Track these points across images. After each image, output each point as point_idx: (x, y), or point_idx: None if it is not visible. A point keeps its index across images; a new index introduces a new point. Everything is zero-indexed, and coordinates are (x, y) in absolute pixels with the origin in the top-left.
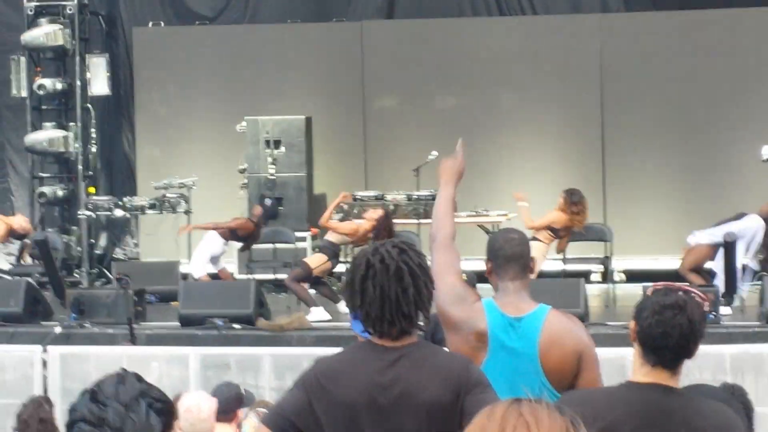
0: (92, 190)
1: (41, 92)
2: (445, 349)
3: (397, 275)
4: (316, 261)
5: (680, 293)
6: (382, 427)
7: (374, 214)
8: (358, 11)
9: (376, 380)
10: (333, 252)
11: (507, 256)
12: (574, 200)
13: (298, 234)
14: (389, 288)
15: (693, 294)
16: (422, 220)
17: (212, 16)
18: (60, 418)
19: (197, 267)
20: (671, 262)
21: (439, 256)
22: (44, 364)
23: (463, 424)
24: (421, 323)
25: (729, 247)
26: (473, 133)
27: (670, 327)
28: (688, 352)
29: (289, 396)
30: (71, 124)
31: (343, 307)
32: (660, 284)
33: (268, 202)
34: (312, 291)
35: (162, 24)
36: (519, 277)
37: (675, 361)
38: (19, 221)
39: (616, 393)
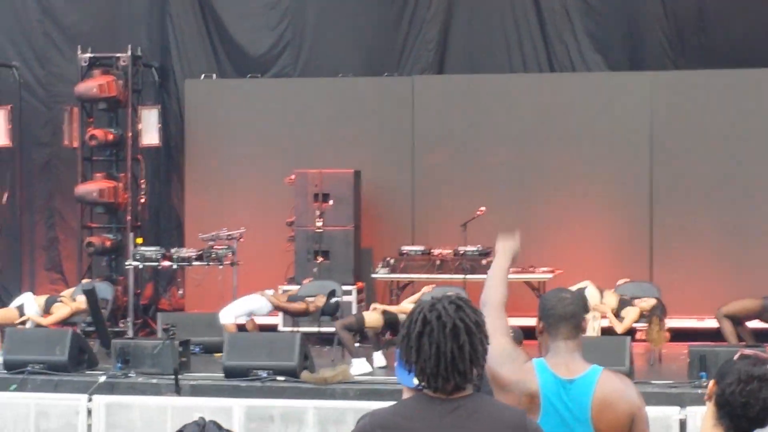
0: (140, 240)
1: (93, 143)
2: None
3: (454, 333)
4: (372, 320)
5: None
6: None
7: None
8: (409, 66)
9: (435, 431)
10: (390, 321)
11: (559, 315)
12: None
13: (345, 288)
14: (445, 345)
15: None
16: (468, 276)
17: (264, 69)
18: None
19: (228, 314)
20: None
21: (490, 319)
22: (89, 412)
23: None
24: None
25: None
26: (521, 190)
27: (754, 398)
28: (765, 423)
29: None
30: (121, 174)
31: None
32: (748, 351)
33: (333, 300)
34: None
35: (214, 76)
36: (571, 337)
37: (749, 430)
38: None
39: None
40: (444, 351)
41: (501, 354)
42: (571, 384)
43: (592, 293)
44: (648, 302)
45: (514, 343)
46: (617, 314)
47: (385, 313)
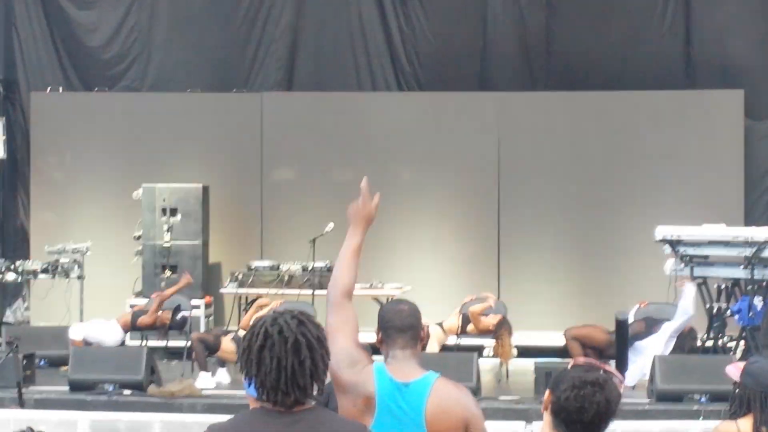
0: None
1: None
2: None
3: (295, 348)
4: (229, 348)
5: (601, 371)
6: None
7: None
8: (258, 83)
9: None
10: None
11: (396, 327)
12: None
13: (193, 302)
14: (286, 360)
15: (612, 374)
16: (317, 291)
17: (111, 83)
18: None
19: (77, 331)
20: (562, 339)
21: (332, 316)
22: None
23: None
24: (315, 393)
25: (619, 326)
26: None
27: (588, 403)
28: (599, 430)
29: None
30: None
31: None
32: (581, 360)
33: (179, 315)
34: None
35: (60, 89)
36: (408, 347)
37: None
38: None
39: None
40: (285, 365)
41: (342, 356)
42: (406, 387)
43: (436, 332)
44: (494, 318)
45: (357, 344)
46: (463, 331)
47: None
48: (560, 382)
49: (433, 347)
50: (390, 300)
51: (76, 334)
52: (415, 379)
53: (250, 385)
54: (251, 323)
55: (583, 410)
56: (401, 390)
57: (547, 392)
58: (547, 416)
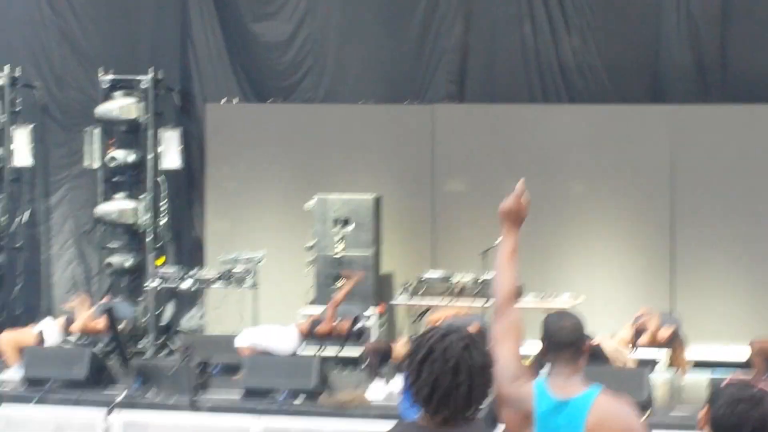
0: (160, 261)
1: (112, 164)
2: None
3: (455, 370)
4: (401, 351)
5: (756, 389)
6: None
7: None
8: (430, 94)
9: None
10: None
11: (558, 343)
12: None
13: (365, 313)
14: (443, 379)
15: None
16: (488, 304)
17: (285, 94)
18: None
19: (244, 338)
20: (739, 351)
21: (497, 324)
22: (107, 430)
23: None
24: (470, 414)
25: None
26: (540, 219)
27: (744, 419)
28: None
29: None
30: (141, 195)
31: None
32: (737, 378)
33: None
34: None
35: (236, 100)
36: (571, 363)
37: None
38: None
39: None
40: (440, 384)
41: (503, 370)
42: (565, 405)
43: (607, 344)
44: (666, 330)
45: (518, 357)
46: (634, 344)
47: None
48: (716, 399)
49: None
50: (554, 312)
51: (243, 341)
52: (575, 396)
53: (408, 406)
54: (423, 331)
55: (740, 426)
56: (560, 408)
57: (704, 409)
58: None
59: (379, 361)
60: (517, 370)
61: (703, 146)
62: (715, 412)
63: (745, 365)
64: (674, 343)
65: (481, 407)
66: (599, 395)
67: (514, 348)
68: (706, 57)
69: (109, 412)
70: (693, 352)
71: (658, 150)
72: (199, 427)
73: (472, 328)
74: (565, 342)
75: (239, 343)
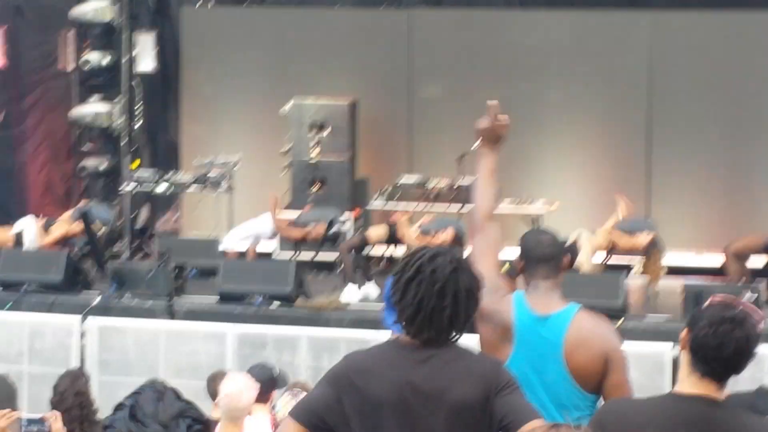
0: (136, 163)
1: (87, 67)
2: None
3: (441, 292)
4: (375, 234)
5: (739, 308)
6: (411, 425)
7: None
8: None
9: (407, 378)
10: (393, 234)
11: (537, 257)
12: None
13: (340, 218)
14: (428, 300)
15: (752, 311)
16: (465, 207)
17: None
18: (96, 389)
19: (232, 238)
20: (714, 258)
21: (476, 241)
22: (82, 334)
23: (492, 425)
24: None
25: None
26: (518, 124)
27: (727, 339)
28: (739, 367)
29: (319, 391)
30: (116, 98)
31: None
32: (719, 296)
33: (334, 228)
34: None
35: (210, 4)
36: (550, 277)
37: (724, 374)
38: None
39: (660, 404)
40: (426, 305)
41: (484, 284)
42: (545, 320)
43: (586, 239)
44: (644, 237)
45: (498, 271)
46: (611, 249)
47: (389, 227)
48: (698, 319)
49: (586, 256)
50: (532, 229)
51: (230, 243)
52: (554, 312)
53: (391, 322)
54: (411, 250)
55: (722, 347)
56: (540, 323)
57: (684, 331)
58: (685, 355)
59: (355, 258)
60: (496, 282)
61: (681, 53)
62: (696, 333)
63: (720, 272)
64: (652, 250)
65: (464, 331)
66: (578, 312)
67: (494, 263)
68: None
69: (85, 317)
70: (668, 258)
71: (637, 56)
72: (175, 333)
73: (446, 233)
74: (545, 255)
75: (227, 245)
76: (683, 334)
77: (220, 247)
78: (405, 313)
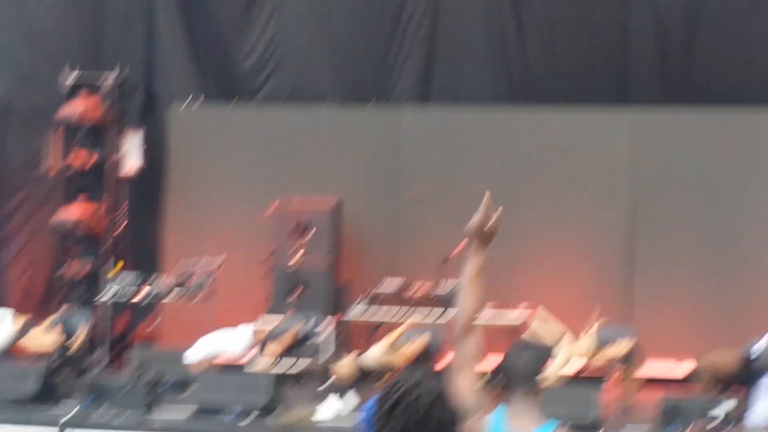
0: (118, 268)
1: (76, 165)
2: None
3: (421, 423)
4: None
5: None
6: None
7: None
8: (396, 95)
9: None
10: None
11: (519, 375)
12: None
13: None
14: (411, 429)
15: None
16: (447, 312)
17: (250, 95)
18: None
19: (194, 354)
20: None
21: (457, 350)
22: None
23: None
24: None
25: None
26: (503, 225)
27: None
28: None
29: None
30: (103, 198)
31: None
32: (699, 426)
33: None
34: None
35: (200, 101)
36: (530, 394)
37: None
38: None
39: None
40: None
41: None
42: None
43: (564, 349)
44: (621, 348)
45: (476, 383)
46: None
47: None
48: None
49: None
50: (516, 344)
51: (194, 355)
52: (533, 430)
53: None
54: (393, 379)
55: None
56: None
57: None
58: None
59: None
60: (473, 402)
61: (665, 150)
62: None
63: (692, 379)
64: (629, 360)
65: None
66: (556, 430)
67: (474, 377)
68: (672, 59)
69: (61, 429)
70: (647, 367)
71: (622, 155)
72: None
73: (420, 342)
74: (527, 375)
75: (191, 358)
76: None
77: (186, 359)
78: None
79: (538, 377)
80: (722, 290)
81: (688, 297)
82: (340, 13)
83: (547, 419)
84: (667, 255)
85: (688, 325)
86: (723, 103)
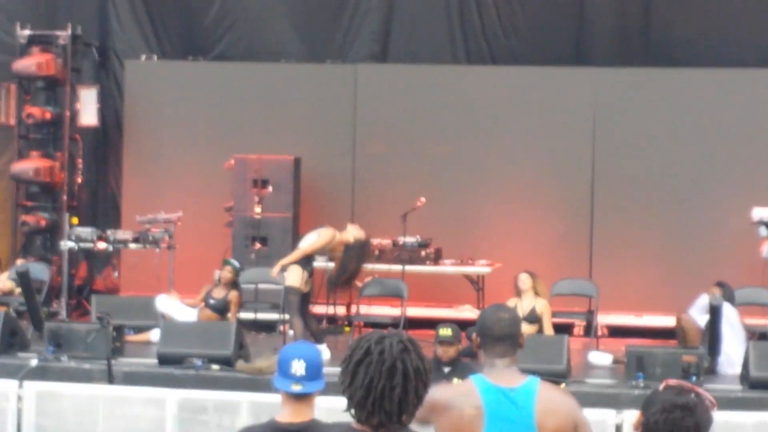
0: (75, 221)
1: (30, 121)
2: None
3: (390, 372)
4: (294, 278)
5: (692, 395)
6: None
7: (358, 233)
8: (352, 54)
9: None
10: (304, 260)
11: (496, 336)
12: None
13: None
14: (378, 381)
15: (704, 397)
16: (407, 267)
17: (206, 51)
18: None
19: (164, 304)
20: (654, 320)
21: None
22: (19, 398)
23: None
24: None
25: (713, 311)
26: (462, 182)
27: (677, 427)
28: None
29: None
30: (58, 154)
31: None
32: (673, 381)
33: None
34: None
35: (155, 57)
36: (508, 355)
37: None
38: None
39: None
40: (375, 386)
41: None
42: (513, 392)
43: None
44: None
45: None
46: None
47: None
48: (651, 404)
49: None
50: (490, 306)
51: (162, 306)
52: (520, 384)
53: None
54: (359, 337)
55: None
56: (509, 395)
57: (638, 414)
58: None
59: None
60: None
61: (625, 109)
62: (648, 418)
63: (672, 335)
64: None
65: (414, 415)
66: (541, 383)
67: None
68: (630, 20)
69: (22, 381)
70: (610, 319)
71: (580, 114)
72: (114, 398)
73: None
74: (504, 334)
75: (160, 307)
76: (638, 416)
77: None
78: (355, 396)
79: (516, 337)
80: (680, 244)
81: (646, 250)
82: None
83: (527, 374)
84: (625, 209)
85: (646, 282)
86: (677, 64)
